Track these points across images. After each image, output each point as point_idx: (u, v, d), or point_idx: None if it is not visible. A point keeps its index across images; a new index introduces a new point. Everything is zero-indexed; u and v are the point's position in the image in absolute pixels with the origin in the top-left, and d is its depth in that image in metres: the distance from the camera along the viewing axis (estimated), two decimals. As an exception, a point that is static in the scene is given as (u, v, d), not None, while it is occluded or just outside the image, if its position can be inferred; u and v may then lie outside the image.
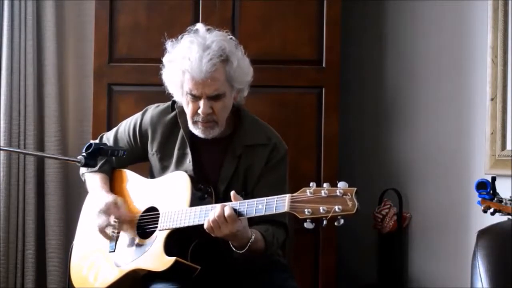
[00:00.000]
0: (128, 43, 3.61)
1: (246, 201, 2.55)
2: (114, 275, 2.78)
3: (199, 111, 2.74)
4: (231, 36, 2.82)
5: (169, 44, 2.81)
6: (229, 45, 2.76)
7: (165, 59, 2.82)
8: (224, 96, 2.75)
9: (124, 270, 2.76)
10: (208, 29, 2.79)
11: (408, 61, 3.89)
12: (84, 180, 3.02)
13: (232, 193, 2.58)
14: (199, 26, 2.80)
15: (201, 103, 2.74)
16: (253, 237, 2.62)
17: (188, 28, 2.82)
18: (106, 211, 2.80)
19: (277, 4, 3.58)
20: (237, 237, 2.59)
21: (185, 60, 2.71)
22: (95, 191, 2.92)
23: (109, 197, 2.84)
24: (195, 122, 2.79)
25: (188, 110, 2.78)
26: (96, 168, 2.92)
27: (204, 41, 2.73)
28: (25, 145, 3.86)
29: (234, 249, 2.63)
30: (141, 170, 2.98)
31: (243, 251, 2.62)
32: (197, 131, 2.80)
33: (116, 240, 2.84)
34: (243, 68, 2.78)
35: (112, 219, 2.81)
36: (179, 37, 2.81)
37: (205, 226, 2.57)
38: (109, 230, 2.83)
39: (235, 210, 2.54)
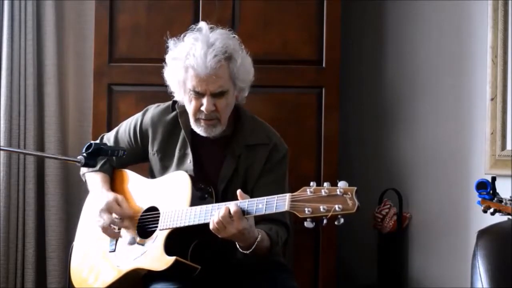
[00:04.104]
0: (128, 43, 3.61)
1: (247, 200, 2.55)
2: (114, 275, 2.78)
3: (202, 108, 2.74)
4: (234, 35, 2.82)
5: (171, 43, 2.82)
6: (233, 43, 2.77)
7: (168, 57, 2.83)
8: (227, 93, 2.75)
9: (124, 269, 2.76)
10: (211, 28, 2.80)
11: (408, 61, 3.89)
12: (85, 180, 3.02)
13: (239, 191, 2.57)
14: (202, 24, 2.81)
15: (205, 100, 2.74)
16: (259, 236, 2.61)
17: (191, 26, 2.83)
18: (108, 210, 2.80)
19: (277, 4, 3.57)
20: (244, 237, 2.58)
21: (190, 57, 2.71)
22: (96, 191, 2.92)
23: (109, 196, 2.84)
24: (197, 120, 2.79)
25: (191, 108, 2.78)
26: (97, 168, 2.92)
27: (208, 38, 2.73)
28: (25, 145, 3.86)
29: (240, 250, 2.62)
30: (141, 170, 2.98)
31: (250, 250, 2.61)
32: (199, 129, 2.80)
33: (116, 240, 2.84)
34: (246, 67, 2.79)
35: (114, 216, 2.81)
36: (181, 35, 2.81)
37: (210, 227, 2.56)
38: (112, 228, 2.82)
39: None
